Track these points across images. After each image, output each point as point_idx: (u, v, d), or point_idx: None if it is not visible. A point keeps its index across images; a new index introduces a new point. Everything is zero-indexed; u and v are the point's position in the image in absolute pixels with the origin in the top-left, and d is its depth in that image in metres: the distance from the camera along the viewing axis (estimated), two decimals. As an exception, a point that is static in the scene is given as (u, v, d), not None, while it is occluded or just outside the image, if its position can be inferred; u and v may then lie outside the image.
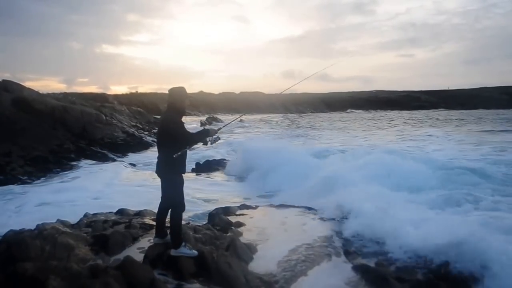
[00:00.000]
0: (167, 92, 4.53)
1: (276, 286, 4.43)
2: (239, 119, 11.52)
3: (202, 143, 4.57)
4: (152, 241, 4.82)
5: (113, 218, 6.23)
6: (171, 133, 4.30)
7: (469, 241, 4.62)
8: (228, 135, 27.17)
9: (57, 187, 11.31)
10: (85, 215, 6.42)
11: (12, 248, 4.17)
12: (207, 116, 51.17)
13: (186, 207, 4.59)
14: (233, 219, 6.62)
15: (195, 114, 59.34)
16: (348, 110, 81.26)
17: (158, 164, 4.46)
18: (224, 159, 15.71)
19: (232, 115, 61.91)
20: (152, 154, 17.42)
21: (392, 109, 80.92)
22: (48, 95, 27.23)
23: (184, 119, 4.55)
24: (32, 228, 4.81)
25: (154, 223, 5.25)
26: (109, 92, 72.55)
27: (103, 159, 16.97)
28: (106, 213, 6.72)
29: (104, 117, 22.01)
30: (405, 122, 41.24)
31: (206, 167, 14.28)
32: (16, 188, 11.53)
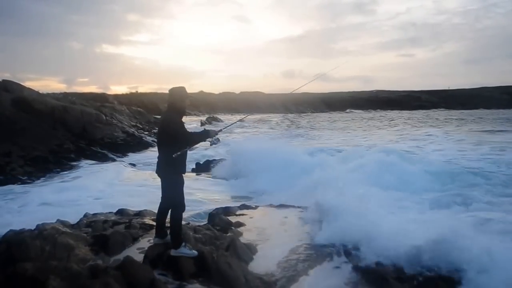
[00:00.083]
0: (167, 92, 4.53)
1: (276, 286, 4.43)
2: (240, 120, 11.36)
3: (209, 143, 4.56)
4: (152, 241, 4.82)
5: (113, 218, 6.23)
6: (171, 133, 4.30)
7: (449, 242, 4.52)
8: (226, 135, 27.13)
9: (59, 187, 11.32)
10: (85, 215, 6.42)
11: (12, 248, 4.17)
12: (207, 116, 51.16)
13: (186, 207, 4.59)
14: (233, 219, 6.62)
15: (195, 114, 59.34)
16: (348, 110, 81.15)
17: (158, 164, 4.46)
18: (224, 159, 15.70)
19: (232, 115, 61.92)
20: (152, 154, 17.42)
21: (392, 109, 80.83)
22: (48, 95, 27.27)
23: (184, 119, 4.55)
24: (32, 228, 4.81)
25: (154, 223, 5.25)
26: (109, 92, 72.53)
27: (103, 159, 16.97)
28: (106, 213, 6.72)
29: (104, 117, 22.00)
30: (405, 122, 41.23)
31: (206, 167, 14.26)
32: (16, 188, 11.53)
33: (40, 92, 24.77)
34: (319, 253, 5.22)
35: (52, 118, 19.07)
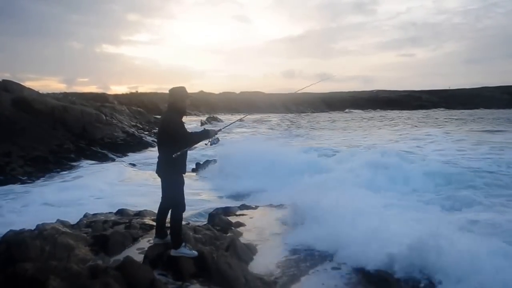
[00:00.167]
0: (167, 92, 4.53)
1: (276, 286, 4.43)
2: (240, 120, 11.26)
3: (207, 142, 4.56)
4: (152, 241, 4.82)
5: (113, 218, 6.23)
6: (171, 133, 4.30)
7: (425, 249, 4.33)
8: (225, 135, 27.07)
9: (60, 186, 11.34)
10: (85, 215, 6.42)
11: (12, 249, 4.17)
12: (207, 116, 51.16)
13: (186, 207, 4.59)
14: (233, 219, 6.63)
15: (195, 114, 59.31)
16: (347, 110, 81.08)
17: (158, 164, 4.46)
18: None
19: (232, 115, 61.88)
20: (152, 154, 17.42)
21: (392, 109, 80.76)
22: (48, 95, 27.30)
23: (184, 119, 4.55)
24: (32, 228, 4.81)
25: (154, 223, 5.25)
26: (109, 92, 72.64)
27: (103, 159, 16.97)
28: (106, 213, 6.72)
29: (104, 117, 22.01)
30: (406, 122, 41.22)
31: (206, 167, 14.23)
32: (17, 187, 11.54)
33: (40, 92, 24.85)
34: (319, 253, 5.21)
35: (52, 118, 19.07)
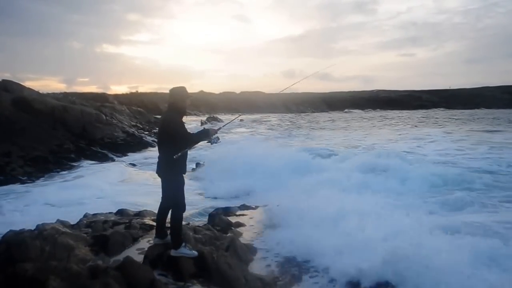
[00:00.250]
0: (167, 91, 4.53)
1: (276, 286, 4.43)
2: (238, 119, 11.20)
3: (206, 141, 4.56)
4: (152, 241, 4.82)
5: (113, 218, 6.22)
6: (171, 133, 4.30)
7: (398, 262, 4.21)
8: (223, 135, 27.06)
9: (61, 186, 11.34)
10: (85, 216, 6.41)
11: (12, 249, 4.16)
12: (207, 116, 51.16)
13: (187, 207, 4.59)
14: (233, 219, 6.63)
15: (195, 114, 59.33)
16: (347, 110, 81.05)
17: (158, 164, 4.46)
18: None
19: (232, 115, 61.89)
20: (152, 154, 17.43)
21: (393, 109, 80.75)
22: (48, 95, 27.27)
23: (184, 119, 4.55)
24: (32, 228, 4.81)
25: (154, 223, 5.25)
26: (109, 92, 72.72)
27: (103, 159, 16.97)
28: (106, 213, 6.71)
29: (104, 117, 22.01)
30: (406, 122, 41.21)
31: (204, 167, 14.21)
32: (18, 187, 11.54)
33: (40, 92, 24.84)
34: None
35: (52, 118, 19.07)
